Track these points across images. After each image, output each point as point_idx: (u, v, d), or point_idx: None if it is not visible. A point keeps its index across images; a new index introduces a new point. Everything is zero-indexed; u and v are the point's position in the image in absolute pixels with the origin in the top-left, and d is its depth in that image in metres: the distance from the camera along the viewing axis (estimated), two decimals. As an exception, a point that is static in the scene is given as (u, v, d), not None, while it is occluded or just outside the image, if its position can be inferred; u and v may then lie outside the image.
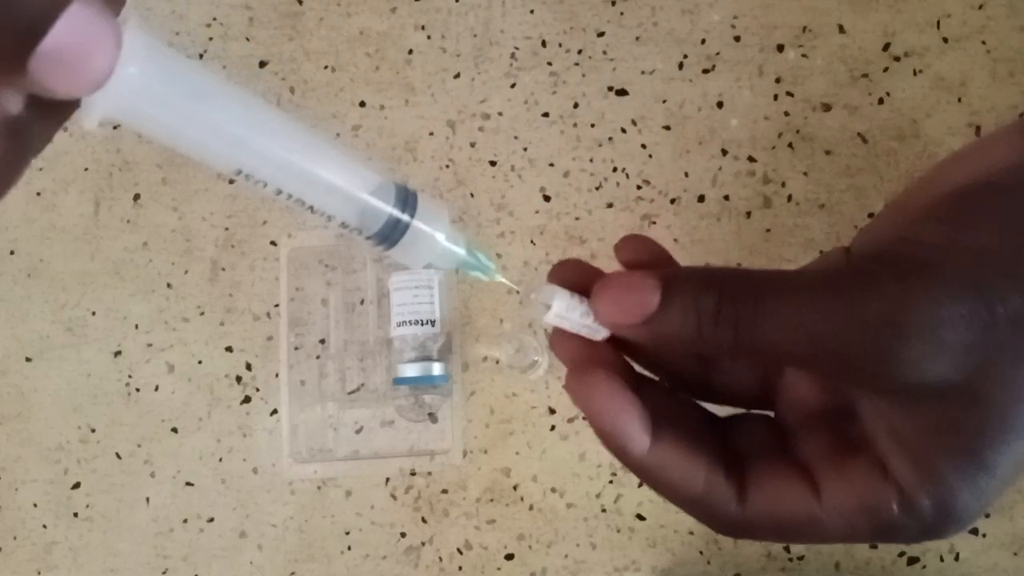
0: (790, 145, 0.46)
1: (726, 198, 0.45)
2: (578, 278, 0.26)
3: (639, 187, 0.46)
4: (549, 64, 0.47)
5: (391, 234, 0.23)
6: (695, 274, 0.25)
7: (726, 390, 0.29)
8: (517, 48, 0.47)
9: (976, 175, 0.25)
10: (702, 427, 0.27)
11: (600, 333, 0.26)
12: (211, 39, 0.48)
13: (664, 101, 0.46)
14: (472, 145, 0.47)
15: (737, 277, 0.24)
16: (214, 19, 0.48)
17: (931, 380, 0.22)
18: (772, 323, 0.23)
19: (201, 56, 0.48)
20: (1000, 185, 0.24)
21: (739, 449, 0.26)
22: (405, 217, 0.23)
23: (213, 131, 0.21)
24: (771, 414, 0.29)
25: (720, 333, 0.24)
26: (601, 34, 0.47)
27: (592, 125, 0.46)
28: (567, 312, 0.25)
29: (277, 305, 0.46)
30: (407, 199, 0.23)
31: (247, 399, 0.46)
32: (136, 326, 0.46)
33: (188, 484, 0.45)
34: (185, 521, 0.45)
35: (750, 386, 0.29)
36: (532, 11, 0.47)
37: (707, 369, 0.29)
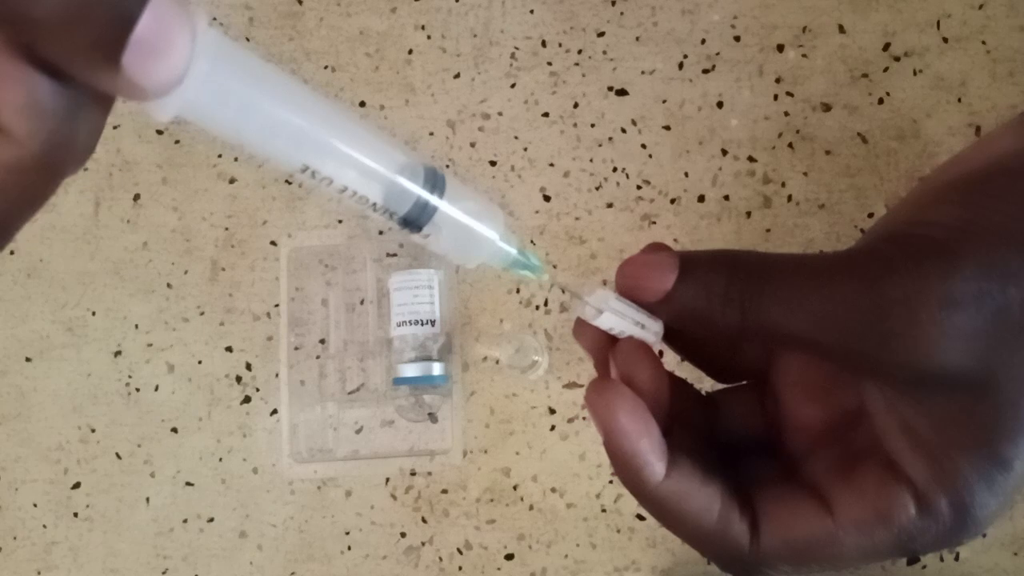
0: (790, 145, 0.46)
1: (726, 198, 0.45)
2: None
3: (639, 187, 0.46)
4: (549, 64, 0.47)
5: (419, 217, 0.23)
6: (710, 255, 0.25)
7: (750, 376, 0.29)
8: (517, 48, 0.47)
9: (985, 162, 0.25)
10: (714, 460, 0.26)
11: (649, 338, 0.26)
12: (211, 39, 0.48)
13: (664, 101, 0.46)
14: (472, 145, 0.47)
15: (749, 259, 0.24)
16: (214, 19, 0.48)
17: (943, 366, 0.22)
18: (778, 305, 0.23)
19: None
20: (1012, 168, 0.24)
21: (747, 483, 0.26)
22: (433, 198, 0.23)
23: (281, 128, 0.20)
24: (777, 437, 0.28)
25: (729, 312, 0.24)
26: (601, 34, 0.47)
27: (592, 125, 0.46)
28: (619, 317, 0.25)
29: (277, 305, 0.46)
30: (436, 181, 0.23)
31: (247, 399, 0.46)
32: (136, 326, 0.46)
33: (188, 484, 0.45)
34: (185, 521, 0.45)
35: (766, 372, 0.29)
36: (532, 11, 0.47)
37: (732, 353, 0.29)
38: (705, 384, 0.31)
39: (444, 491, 0.44)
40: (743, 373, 0.29)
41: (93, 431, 0.46)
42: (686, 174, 0.46)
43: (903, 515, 0.23)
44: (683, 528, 0.25)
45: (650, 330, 0.26)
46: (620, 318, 0.25)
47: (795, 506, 0.25)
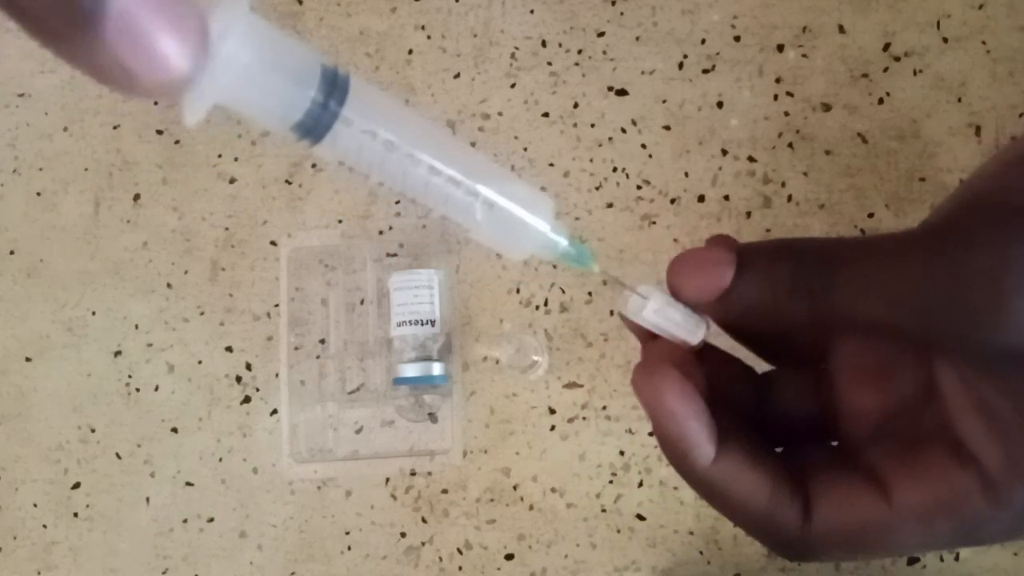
0: (790, 145, 0.46)
1: (726, 198, 0.45)
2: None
3: (639, 187, 0.46)
4: (549, 64, 0.47)
5: (315, 126, 0.21)
6: (769, 246, 0.24)
7: (805, 358, 0.28)
8: (517, 48, 0.47)
9: None
10: (765, 442, 0.25)
11: (695, 337, 0.25)
12: (211, 39, 0.48)
13: (664, 101, 0.46)
14: (472, 145, 0.47)
15: (813, 246, 0.23)
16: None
17: None
18: (850, 290, 0.22)
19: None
20: None
21: (800, 465, 0.25)
22: (333, 104, 0.21)
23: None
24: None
25: (796, 303, 0.23)
26: (601, 34, 0.47)
27: (592, 125, 0.46)
28: (663, 315, 0.24)
29: (277, 305, 0.46)
30: (336, 82, 0.21)
31: (247, 399, 0.46)
32: (136, 326, 0.46)
33: (188, 484, 0.45)
34: (185, 521, 0.45)
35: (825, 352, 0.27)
36: (532, 11, 0.47)
37: (788, 340, 0.27)
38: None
39: (444, 491, 0.44)
40: (797, 356, 0.28)
41: (93, 431, 0.46)
42: (686, 174, 0.46)
43: (968, 503, 0.22)
44: (732, 510, 0.24)
45: (696, 333, 0.25)
46: (666, 322, 0.24)
47: (850, 490, 0.24)
